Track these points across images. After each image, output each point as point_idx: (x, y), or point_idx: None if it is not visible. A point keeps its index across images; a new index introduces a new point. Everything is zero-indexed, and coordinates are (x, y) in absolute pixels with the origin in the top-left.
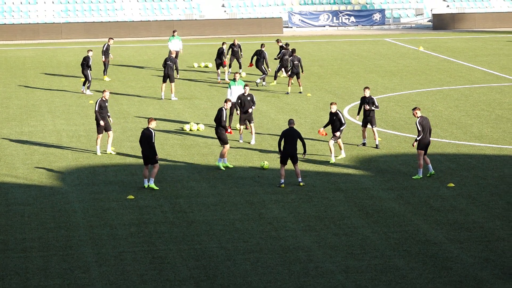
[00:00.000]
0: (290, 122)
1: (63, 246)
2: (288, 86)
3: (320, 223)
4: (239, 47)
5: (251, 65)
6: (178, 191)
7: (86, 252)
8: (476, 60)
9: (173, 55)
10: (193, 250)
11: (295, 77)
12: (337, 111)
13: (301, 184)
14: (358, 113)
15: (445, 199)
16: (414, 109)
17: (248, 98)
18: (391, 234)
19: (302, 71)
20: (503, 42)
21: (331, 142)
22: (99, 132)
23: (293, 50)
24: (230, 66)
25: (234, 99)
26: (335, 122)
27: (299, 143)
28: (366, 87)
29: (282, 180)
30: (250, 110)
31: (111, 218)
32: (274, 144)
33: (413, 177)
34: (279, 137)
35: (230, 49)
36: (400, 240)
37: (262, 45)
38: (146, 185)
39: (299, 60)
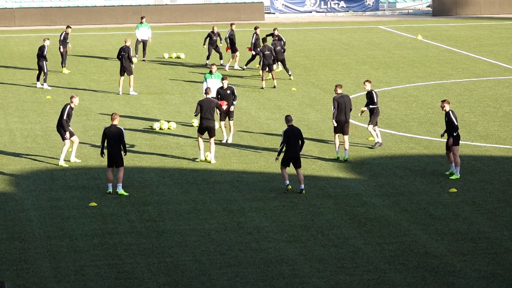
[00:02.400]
0: (289, 119)
1: (17, 259)
2: (262, 80)
3: (306, 233)
4: (218, 35)
5: (228, 48)
6: (146, 198)
7: (43, 266)
8: (482, 50)
9: (128, 44)
10: (164, 263)
11: (267, 69)
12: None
13: (304, 192)
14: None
15: (446, 206)
16: (443, 101)
17: (228, 91)
18: (386, 245)
19: (275, 62)
20: (511, 30)
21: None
22: (66, 138)
23: (264, 39)
24: (208, 58)
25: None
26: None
27: None
28: (366, 80)
29: (288, 182)
30: (232, 108)
31: (71, 228)
32: (254, 144)
33: (450, 177)
34: (282, 138)
35: (208, 38)
36: (396, 252)
37: (256, 27)
38: (109, 190)
39: (270, 50)
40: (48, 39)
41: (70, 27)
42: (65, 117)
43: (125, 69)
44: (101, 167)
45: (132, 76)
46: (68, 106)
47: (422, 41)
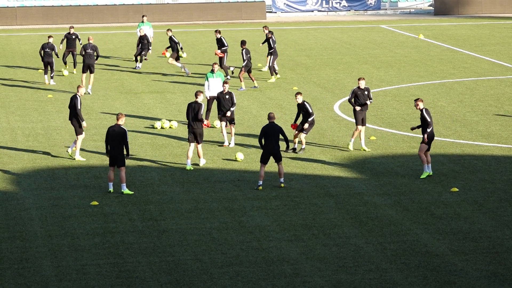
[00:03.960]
0: (270, 116)
1: (18, 258)
2: (253, 80)
3: (308, 233)
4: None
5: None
6: (148, 197)
7: (45, 265)
8: (483, 49)
9: (92, 41)
10: (165, 262)
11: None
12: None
13: (282, 185)
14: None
15: (448, 205)
16: (416, 100)
17: (227, 96)
18: (387, 244)
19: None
20: None
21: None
22: (80, 133)
23: (243, 42)
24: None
25: (212, 93)
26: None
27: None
28: (298, 93)
29: (260, 182)
30: (228, 113)
31: (73, 226)
32: (255, 143)
33: (421, 177)
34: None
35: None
36: (397, 251)
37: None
38: (110, 190)
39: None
40: (52, 36)
41: (73, 27)
42: (79, 107)
43: (89, 67)
44: (103, 166)
45: (93, 75)
46: (78, 97)
47: (423, 40)
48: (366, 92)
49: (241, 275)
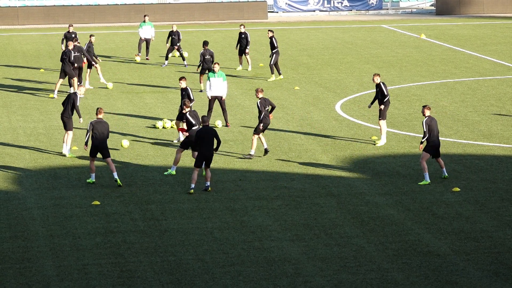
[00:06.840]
0: (204, 119)
1: (20, 258)
2: (200, 83)
3: (309, 232)
4: (246, 37)
5: (84, 63)
6: (149, 196)
7: (46, 265)
8: (485, 49)
9: (70, 47)
10: (167, 262)
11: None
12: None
13: (210, 189)
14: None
15: (449, 205)
16: (424, 106)
17: (183, 93)
18: (389, 244)
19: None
20: None
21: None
22: (71, 129)
23: (205, 42)
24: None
25: (213, 93)
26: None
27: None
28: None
29: (193, 185)
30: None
31: (74, 226)
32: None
33: (419, 183)
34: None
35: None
36: (399, 251)
37: (91, 35)
38: (93, 180)
39: (211, 55)
40: (93, 35)
41: (72, 26)
42: (78, 103)
43: (66, 73)
44: (104, 166)
45: (75, 79)
46: (76, 94)
47: (425, 40)
48: (377, 89)
49: (243, 275)
